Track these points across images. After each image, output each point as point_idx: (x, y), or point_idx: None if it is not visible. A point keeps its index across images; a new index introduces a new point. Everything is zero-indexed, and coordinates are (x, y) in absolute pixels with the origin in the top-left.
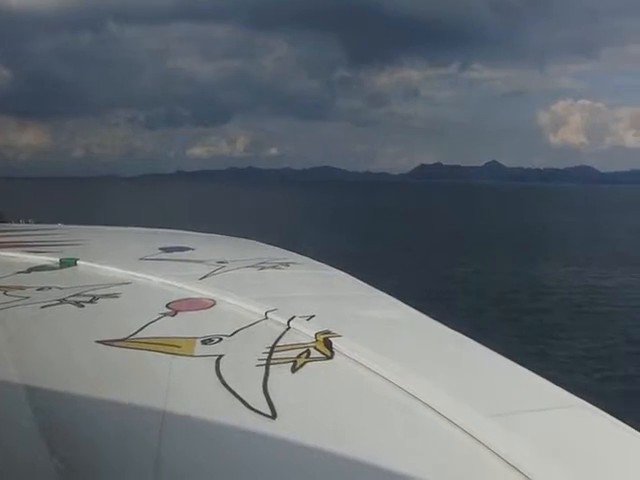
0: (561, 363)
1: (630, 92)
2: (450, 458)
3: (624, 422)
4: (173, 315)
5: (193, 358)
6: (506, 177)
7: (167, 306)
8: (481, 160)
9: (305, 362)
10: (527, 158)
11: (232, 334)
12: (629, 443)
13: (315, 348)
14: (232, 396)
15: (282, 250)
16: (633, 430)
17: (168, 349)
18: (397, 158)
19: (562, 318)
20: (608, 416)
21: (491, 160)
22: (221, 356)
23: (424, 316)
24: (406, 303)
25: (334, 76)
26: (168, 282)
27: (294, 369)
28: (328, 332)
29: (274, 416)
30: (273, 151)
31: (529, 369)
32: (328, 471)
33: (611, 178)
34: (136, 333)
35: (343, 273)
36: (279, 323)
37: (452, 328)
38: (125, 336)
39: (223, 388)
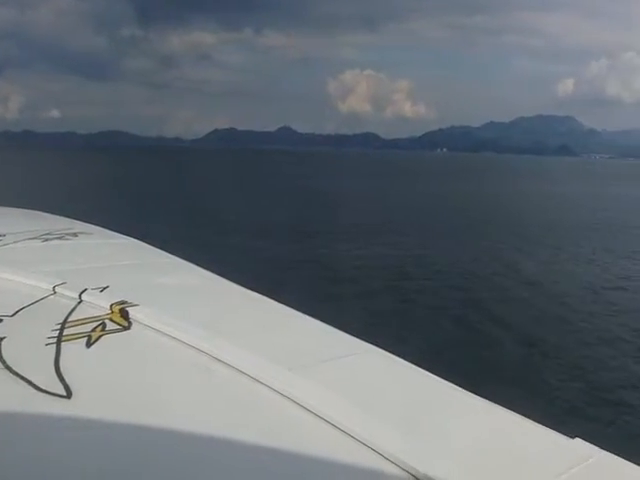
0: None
1: (408, 66)
2: (258, 415)
3: (411, 362)
4: None
5: None
6: (299, 142)
7: None
8: (274, 125)
9: (101, 335)
10: (318, 124)
11: (14, 313)
12: (415, 380)
13: (111, 320)
14: (19, 380)
15: (69, 220)
16: (418, 368)
17: None
18: (191, 122)
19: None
20: (397, 358)
21: (284, 125)
22: (2, 338)
23: (222, 279)
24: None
25: (123, 34)
26: None
27: (89, 344)
28: (124, 302)
29: (69, 395)
30: (54, 113)
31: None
32: (133, 445)
33: (393, 144)
34: None
35: (136, 240)
36: (69, 297)
37: (251, 289)
38: None
39: (7, 373)
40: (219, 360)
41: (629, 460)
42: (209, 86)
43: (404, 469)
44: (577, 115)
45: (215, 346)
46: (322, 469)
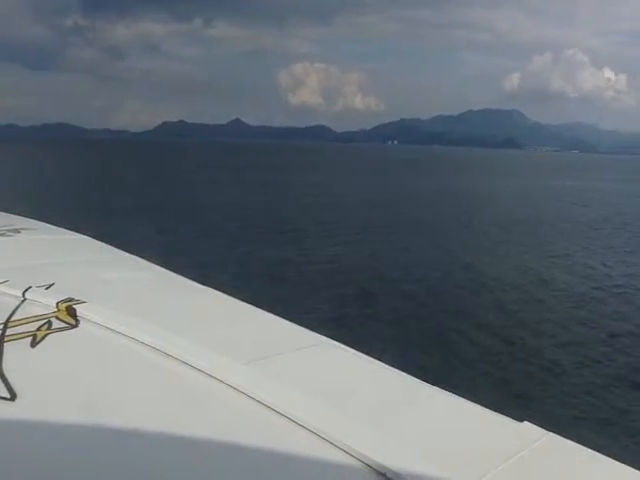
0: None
1: (358, 58)
2: (213, 411)
3: (365, 353)
4: None
5: None
6: (250, 135)
7: None
8: (225, 118)
9: (46, 334)
10: (269, 117)
11: None
12: (371, 372)
13: (57, 318)
14: None
15: (11, 215)
16: (372, 359)
17: None
18: (139, 115)
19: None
20: (353, 350)
21: (235, 118)
22: None
23: (173, 274)
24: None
25: (66, 23)
26: None
27: (34, 343)
28: (71, 299)
29: (13, 397)
30: None
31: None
32: (82, 447)
33: (345, 136)
34: None
35: (83, 236)
36: (12, 296)
37: (204, 284)
38: None
39: None
40: (172, 356)
41: (576, 441)
42: (158, 78)
43: (361, 460)
44: (523, 109)
45: (167, 342)
46: (279, 463)
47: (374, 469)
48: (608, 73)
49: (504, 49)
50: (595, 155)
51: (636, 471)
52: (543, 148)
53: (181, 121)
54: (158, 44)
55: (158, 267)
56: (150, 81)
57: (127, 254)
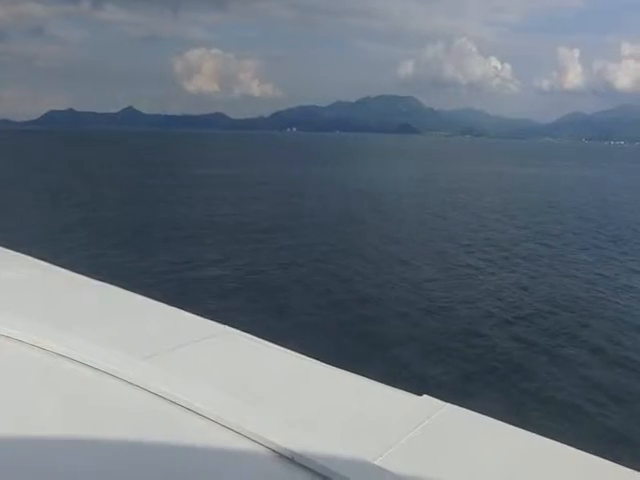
0: None
1: (255, 45)
2: (106, 406)
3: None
4: None
5: None
6: (144, 123)
7: None
8: (117, 106)
9: None
10: (164, 104)
11: None
12: (273, 357)
13: None
14: None
15: None
16: (274, 345)
17: None
18: (23, 103)
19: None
20: (254, 337)
21: (128, 106)
22: None
23: (57, 267)
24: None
25: None
26: None
27: None
28: None
29: None
30: None
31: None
32: None
33: (242, 124)
34: None
35: None
36: None
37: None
38: None
39: None
40: (59, 355)
41: (473, 410)
42: (43, 63)
43: (266, 446)
44: (418, 95)
45: (54, 340)
46: (182, 455)
47: (280, 454)
48: (495, 62)
49: (398, 37)
50: (487, 140)
51: (530, 433)
52: (437, 133)
53: (70, 109)
54: (42, 26)
55: (48, 264)
56: (34, 66)
57: (10, 251)
